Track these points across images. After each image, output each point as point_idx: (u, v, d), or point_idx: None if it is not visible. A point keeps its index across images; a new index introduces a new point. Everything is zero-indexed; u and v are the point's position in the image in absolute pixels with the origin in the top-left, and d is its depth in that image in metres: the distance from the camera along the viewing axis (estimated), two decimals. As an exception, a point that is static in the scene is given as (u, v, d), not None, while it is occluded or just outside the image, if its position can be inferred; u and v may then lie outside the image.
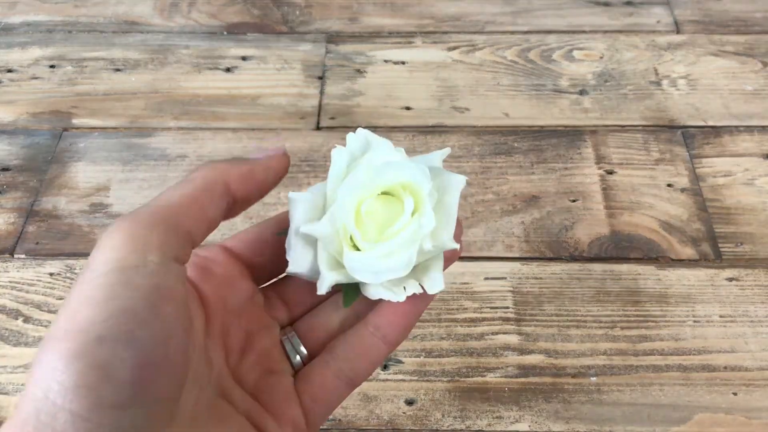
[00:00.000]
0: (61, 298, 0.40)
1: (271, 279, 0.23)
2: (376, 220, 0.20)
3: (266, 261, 0.22)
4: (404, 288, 0.20)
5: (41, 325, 0.40)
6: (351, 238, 0.20)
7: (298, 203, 0.21)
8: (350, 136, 0.21)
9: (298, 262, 0.20)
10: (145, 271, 0.17)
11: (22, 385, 0.37)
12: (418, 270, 0.20)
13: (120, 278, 0.16)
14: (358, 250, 0.20)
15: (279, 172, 0.21)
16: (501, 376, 0.37)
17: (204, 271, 0.21)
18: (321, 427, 0.20)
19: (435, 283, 0.20)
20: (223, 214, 0.20)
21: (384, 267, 0.20)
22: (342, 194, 0.20)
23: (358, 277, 0.20)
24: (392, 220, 0.20)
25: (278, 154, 0.21)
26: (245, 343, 0.21)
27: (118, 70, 0.54)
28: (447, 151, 0.22)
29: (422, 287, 0.20)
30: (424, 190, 0.20)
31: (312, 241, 0.20)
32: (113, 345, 0.15)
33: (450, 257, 0.21)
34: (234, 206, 0.20)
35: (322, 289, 0.20)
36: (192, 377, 0.18)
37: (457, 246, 0.20)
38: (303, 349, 0.22)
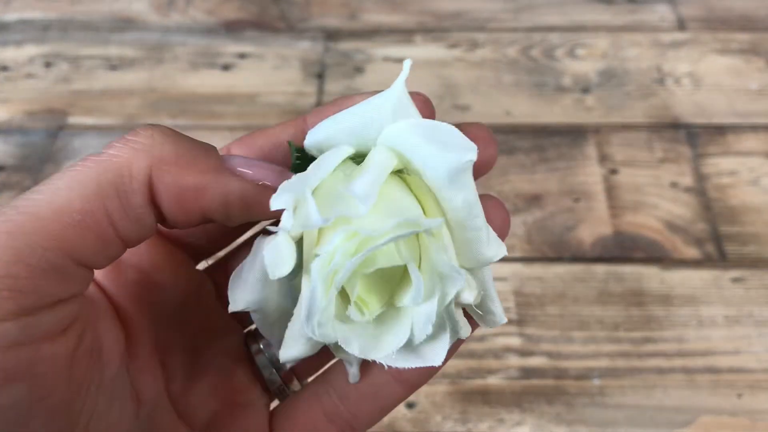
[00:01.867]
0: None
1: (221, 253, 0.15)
2: (374, 294, 0.14)
3: (215, 236, 0.14)
4: (448, 333, 0.14)
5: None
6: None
7: (262, 312, 0.13)
8: (285, 216, 0.12)
9: (288, 348, 0.14)
10: None
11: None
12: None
13: None
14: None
15: (249, 209, 0.12)
16: (503, 379, 0.37)
17: (116, 268, 0.14)
18: None
19: (492, 316, 0.14)
20: (153, 225, 0.12)
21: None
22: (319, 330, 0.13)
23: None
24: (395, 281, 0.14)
25: (267, 185, 0.13)
26: (192, 362, 0.15)
27: (114, 67, 0.53)
28: (406, 67, 0.13)
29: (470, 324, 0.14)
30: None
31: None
32: None
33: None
34: (164, 221, 0.13)
35: (352, 377, 0.14)
36: (100, 425, 0.12)
37: (504, 251, 0.13)
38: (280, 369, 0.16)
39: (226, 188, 0.12)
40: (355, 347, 0.13)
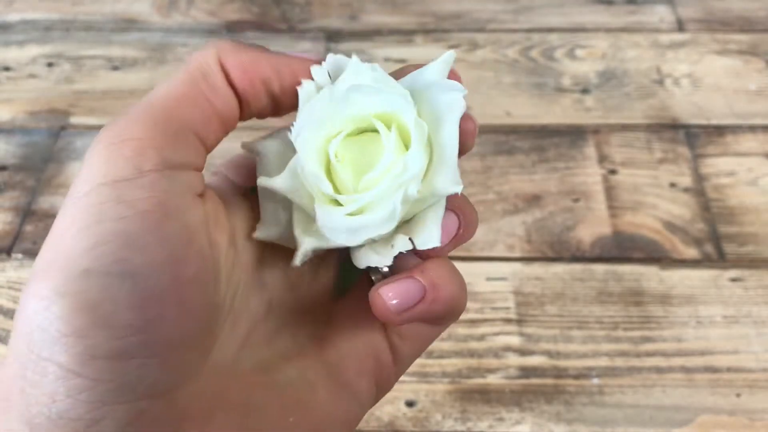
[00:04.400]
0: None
1: None
2: (351, 165, 0.16)
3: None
4: (392, 246, 0.16)
5: (38, 326, 0.39)
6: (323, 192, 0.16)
7: (263, 155, 0.17)
8: (315, 68, 0.17)
9: (266, 226, 0.17)
10: (140, 183, 0.13)
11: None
12: (412, 224, 0.16)
13: (109, 195, 0.13)
14: (338, 204, 0.16)
15: (296, 76, 0.16)
16: (502, 378, 0.37)
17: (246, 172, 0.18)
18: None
19: (428, 236, 0.15)
20: (236, 104, 0.16)
21: (360, 223, 0.15)
22: (301, 136, 0.16)
23: (334, 239, 0.16)
24: (372, 164, 0.16)
25: (307, 58, 0.16)
26: (316, 266, 0.18)
27: (116, 68, 0.53)
28: (450, 55, 0.16)
29: (412, 242, 0.16)
30: (408, 119, 0.15)
31: (287, 201, 0.16)
32: (103, 279, 0.12)
33: (459, 207, 0.16)
34: (241, 103, 0.16)
35: (297, 259, 0.16)
36: (239, 306, 0.15)
37: (459, 189, 0.15)
38: (385, 266, 0.18)
39: (276, 58, 0.16)
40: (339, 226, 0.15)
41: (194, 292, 0.14)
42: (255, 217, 0.17)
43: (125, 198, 0.13)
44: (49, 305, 0.12)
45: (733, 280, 0.41)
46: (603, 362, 0.37)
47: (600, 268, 0.41)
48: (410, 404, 0.36)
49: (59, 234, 0.13)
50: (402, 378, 0.37)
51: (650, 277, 0.41)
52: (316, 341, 0.17)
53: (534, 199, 0.45)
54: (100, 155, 0.14)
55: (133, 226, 0.13)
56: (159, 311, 0.13)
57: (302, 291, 0.18)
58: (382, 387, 0.18)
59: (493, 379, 0.37)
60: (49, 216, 0.45)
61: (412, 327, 0.17)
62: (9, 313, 0.40)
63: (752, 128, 0.49)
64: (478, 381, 0.37)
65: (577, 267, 0.41)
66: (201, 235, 0.14)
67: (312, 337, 0.17)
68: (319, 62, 0.17)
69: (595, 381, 0.37)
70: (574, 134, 0.48)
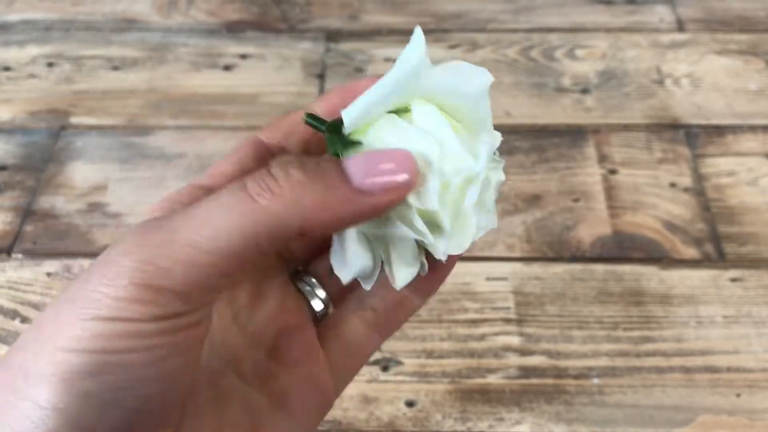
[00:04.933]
0: (58, 299, 0.40)
1: None
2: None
3: None
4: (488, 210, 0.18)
5: (38, 326, 0.39)
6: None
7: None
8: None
9: (352, 262, 0.17)
10: (155, 326, 0.14)
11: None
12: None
13: (122, 330, 0.14)
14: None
15: (382, 209, 0.15)
16: (502, 378, 0.37)
17: None
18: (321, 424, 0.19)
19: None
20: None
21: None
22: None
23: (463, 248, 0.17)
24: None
25: (398, 184, 0.15)
26: (256, 294, 0.19)
27: (116, 68, 0.53)
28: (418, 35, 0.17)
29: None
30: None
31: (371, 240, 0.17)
32: (100, 404, 0.14)
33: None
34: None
35: (403, 278, 0.17)
36: None
37: (498, 137, 0.18)
38: (322, 293, 0.20)
39: (359, 212, 0.15)
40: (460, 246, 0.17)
41: (173, 409, 0.15)
42: None
43: (137, 335, 0.14)
44: (45, 418, 0.13)
45: (733, 280, 0.41)
46: (603, 362, 0.37)
47: (600, 268, 0.41)
48: (410, 404, 0.36)
49: (68, 344, 0.14)
50: (402, 378, 0.37)
51: (650, 277, 0.41)
52: (260, 375, 0.18)
53: (534, 199, 0.45)
54: (126, 288, 0.14)
55: (137, 359, 0.14)
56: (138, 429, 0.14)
57: (243, 323, 0.18)
58: (321, 412, 0.19)
59: (493, 379, 0.37)
60: (49, 216, 0.45)
61: (357, 340, 0.19)
62: (9, 313, 0.40)
63: (752, 128, 0.49)
64: (478, 381, 0.37)
65: (577, 267, 0.41)
66: (197, 357, 0.15)
67: (256, 370, 0.18)
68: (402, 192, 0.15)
69: (595, 381, 0.37)
70: (574, 134, 0.48)
